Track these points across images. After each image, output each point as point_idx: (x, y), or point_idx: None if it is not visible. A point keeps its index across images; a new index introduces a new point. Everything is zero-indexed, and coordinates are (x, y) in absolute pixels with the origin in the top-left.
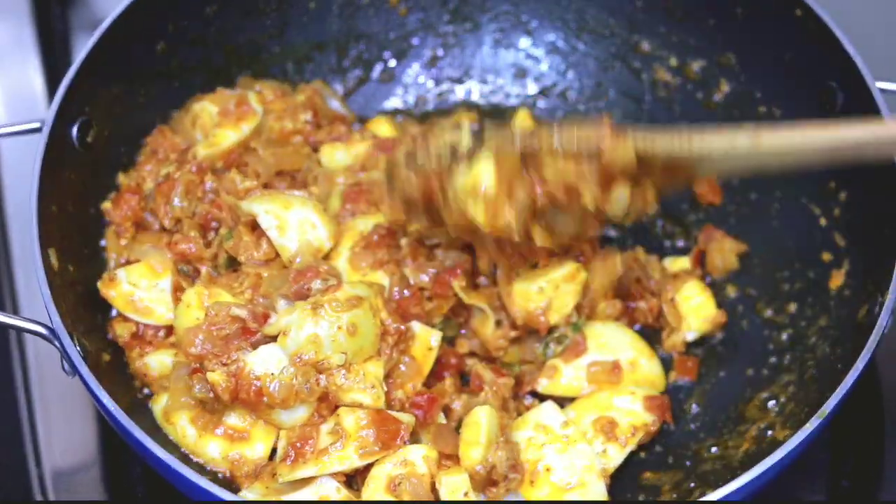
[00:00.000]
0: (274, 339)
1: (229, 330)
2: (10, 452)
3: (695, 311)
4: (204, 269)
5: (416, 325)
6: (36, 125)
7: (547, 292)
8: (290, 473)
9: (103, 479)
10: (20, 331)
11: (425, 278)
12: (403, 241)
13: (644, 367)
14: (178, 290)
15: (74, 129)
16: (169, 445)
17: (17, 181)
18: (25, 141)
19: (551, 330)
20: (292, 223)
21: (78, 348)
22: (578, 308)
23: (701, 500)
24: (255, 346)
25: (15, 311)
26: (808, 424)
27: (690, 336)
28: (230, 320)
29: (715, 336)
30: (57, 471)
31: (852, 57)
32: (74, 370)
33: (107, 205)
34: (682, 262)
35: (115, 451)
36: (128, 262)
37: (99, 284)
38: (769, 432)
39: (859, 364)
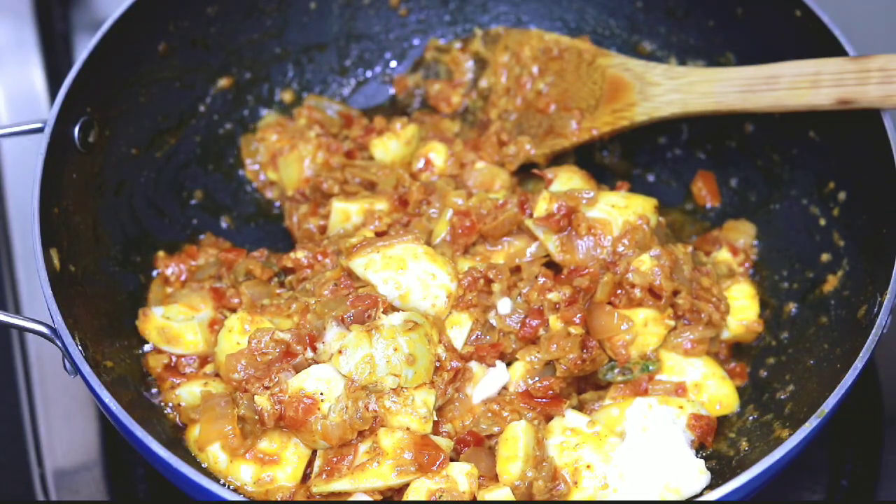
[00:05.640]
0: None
1: (272, 354)
2: (11, 452)
3: (736, 311)
4: (246, 297)
5: (475, 366)
6: (38, 125)
7: (634, 328)
8: (324, 486)
9: (105, 478)
10: (22, 330)
11: (513, 324)
12: (496, 287)
13: (711, 388)
14: (214, 324)
15: (76, 130)
16: (204, 472)
17: (18, 181)
18: (27, 141)
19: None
20: (413, 285)
21: (80, 348)
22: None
23: (701, 499)
24: (297, 370)
25: (17, 311)
26: (807, 424)
27: (723, 335)
28: (273, 344)
29: (747, 344)
30: (59, 470)
31: None
32: (76, 370)
33: (161, 254)
34: (722, 255)
35: (116, 450)
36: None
37: (137, 322)
38: (769, 432)
39: (858, 364)
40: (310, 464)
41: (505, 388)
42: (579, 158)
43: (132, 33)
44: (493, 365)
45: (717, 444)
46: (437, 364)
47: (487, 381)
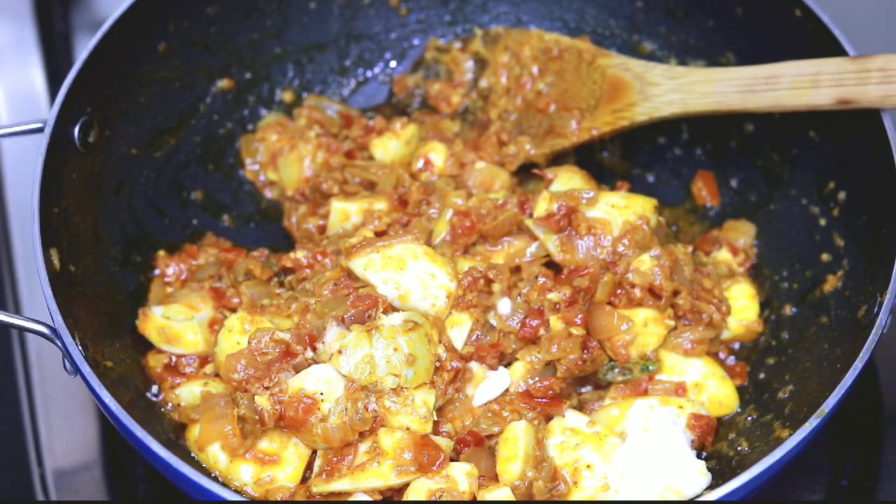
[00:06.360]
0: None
1: (272, 354)
2: (11, 452)
3: (736, 311)
4: (246, 297)
5: (475, 366)
6: (38, 125)
7: (634, 329)
8: (324, 486)
9: (105, 478)
10: (22, 330)
11: (513, 324)
12: (497, 287)
13: (711, 388)
14: (214, 324)
15: (76, 130)
16: (204, 472)
17: (18, 181)
18: (27, 141)
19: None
20: (413, 285)
21: (80, 348)
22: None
23: (701, 499)
24: (297, 370)
25: (17, 311)
26: (807, 424)
27: (724, 335)
28: (273, 344)
29: (747, 344)
30: (58, 470)
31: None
32: (76, 370)
33: (161, 254)
34: (722, 255)
35: (116, 450)
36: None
37: (137, 322)
38: (769, 432)
39: (858, 364)
40: (310, 464)
41: (506, 389)
42: (579, 158)
43: (132, 33)
44: (494, 367)
45: (717, 444)
46: (438, 364)
47: (488, 385)
